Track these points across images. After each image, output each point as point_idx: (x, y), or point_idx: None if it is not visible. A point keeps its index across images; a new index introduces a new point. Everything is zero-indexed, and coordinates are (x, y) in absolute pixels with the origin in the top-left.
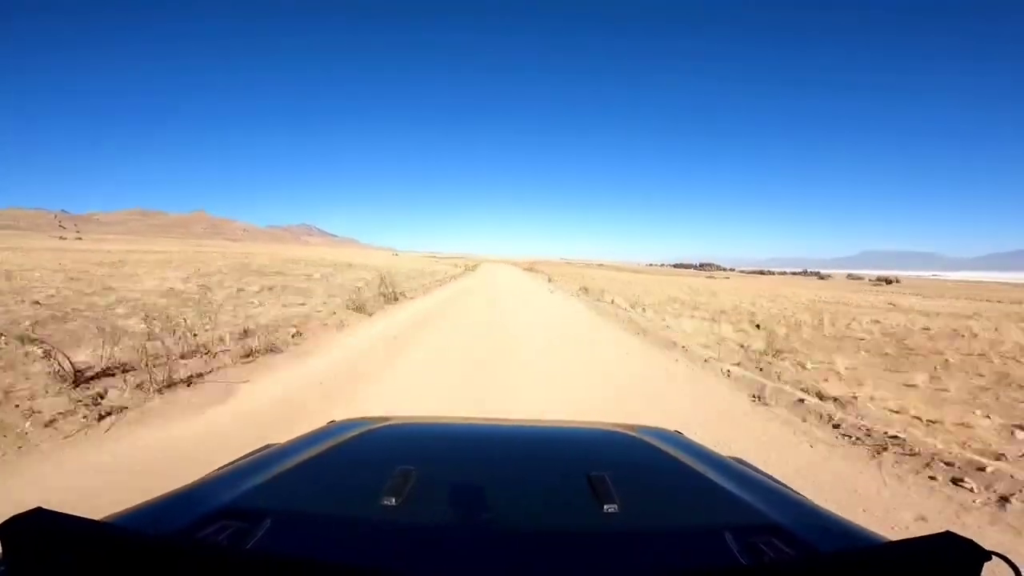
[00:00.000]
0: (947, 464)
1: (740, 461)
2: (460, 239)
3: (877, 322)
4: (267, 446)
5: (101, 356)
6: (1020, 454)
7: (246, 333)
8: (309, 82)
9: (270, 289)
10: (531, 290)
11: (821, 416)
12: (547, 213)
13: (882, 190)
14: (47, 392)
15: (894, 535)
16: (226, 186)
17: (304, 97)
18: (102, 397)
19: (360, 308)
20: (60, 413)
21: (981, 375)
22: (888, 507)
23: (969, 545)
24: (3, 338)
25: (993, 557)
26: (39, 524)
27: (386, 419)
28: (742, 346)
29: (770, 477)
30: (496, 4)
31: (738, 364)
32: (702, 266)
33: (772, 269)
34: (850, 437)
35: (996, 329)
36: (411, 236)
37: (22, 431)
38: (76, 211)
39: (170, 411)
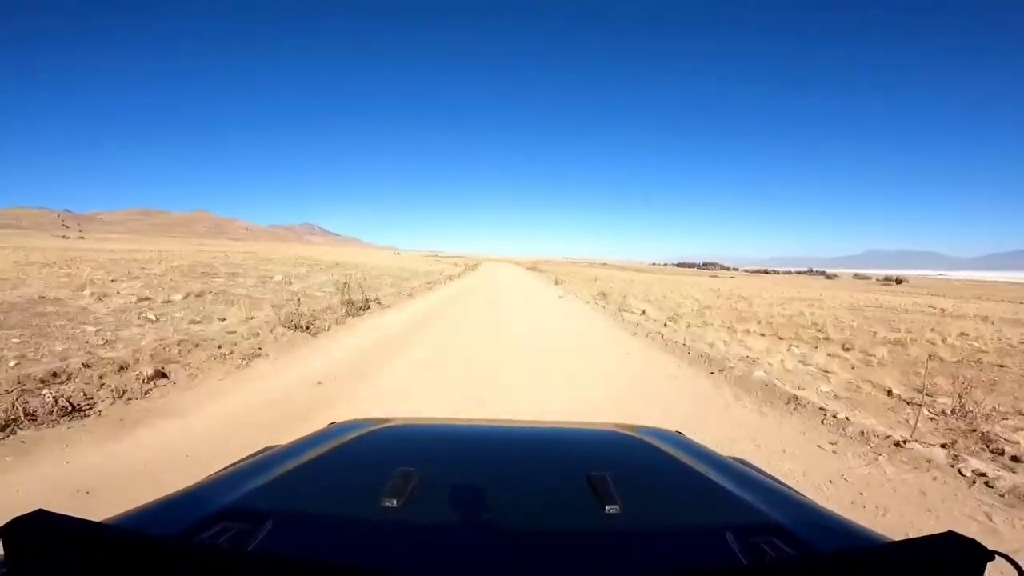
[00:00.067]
0: None
1: (741, 461)
2: (463, 238)
3: (964, 335)
4: (268, 447)
5: None
6: None
7: (55, 376)
8: (311, 82)
9: (199, 296)
10: (536, 294)
11: None
12: (549, 212)
13: (884, 189)
14: None
15: None
16: (229, 186)
17: (307, 97)
18: None
19: (303, 325)
20: None
21: None
22: None
23: (972, 545)
24: None
25: (996, 557)
26: (40, 525)
27: (387, 420)
28: (891, 393)
29: (771, 477)
30: (497, 4)
31: (945, 444)
32: (705, 265)
33: (776, 268)
34: None
35: None
36: (414, 235)
37: None
38: (80, 211)
39: None
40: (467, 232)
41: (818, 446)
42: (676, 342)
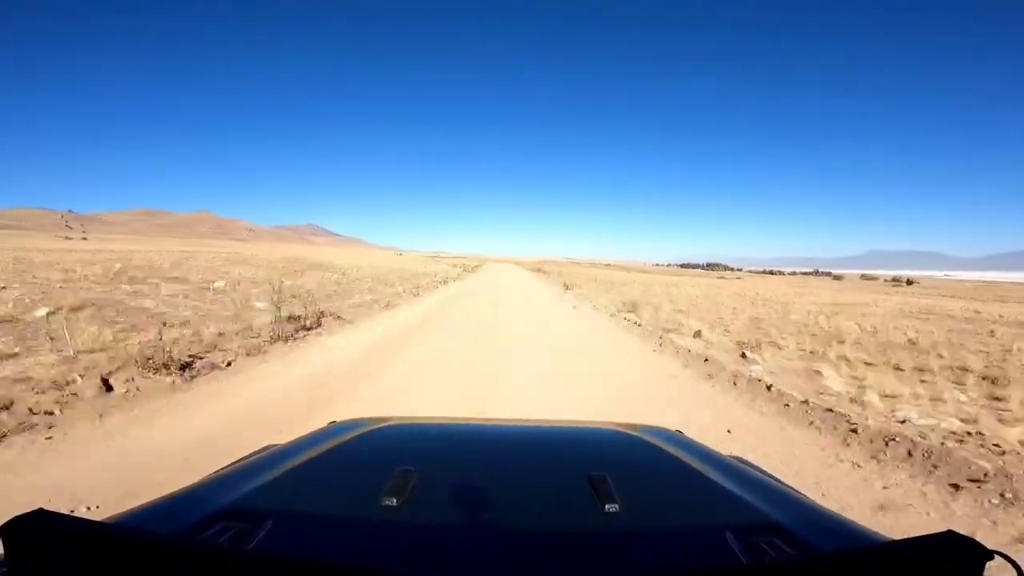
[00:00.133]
0: None
1: (741, 460)
2: (465, 239)
3: None
4: (268, 447)
5: None
6: None
7: None
8: (314, 82)
9: (75, 310)
10: (546, 304)
11: None
12: (550, 213)
13: (886, 189)
14: None
15: None
16: (232, 186)
17: (309, 97)
18: None
19: (175, 361)
20: None
21: None
22: None
23: (972, 544)
24: None
25: (996, 557)
26: (40, 525)
27: (386, 419)
28: None
29: (771, 476)
30: (497, 4)
31: None
32: (709, 266)
33: (781, 269)
34: None
35: None
36: (417, 236)
37: None
38: (83, 211)
39: None
40: (469, 233)
41: None
42: (812, 403)
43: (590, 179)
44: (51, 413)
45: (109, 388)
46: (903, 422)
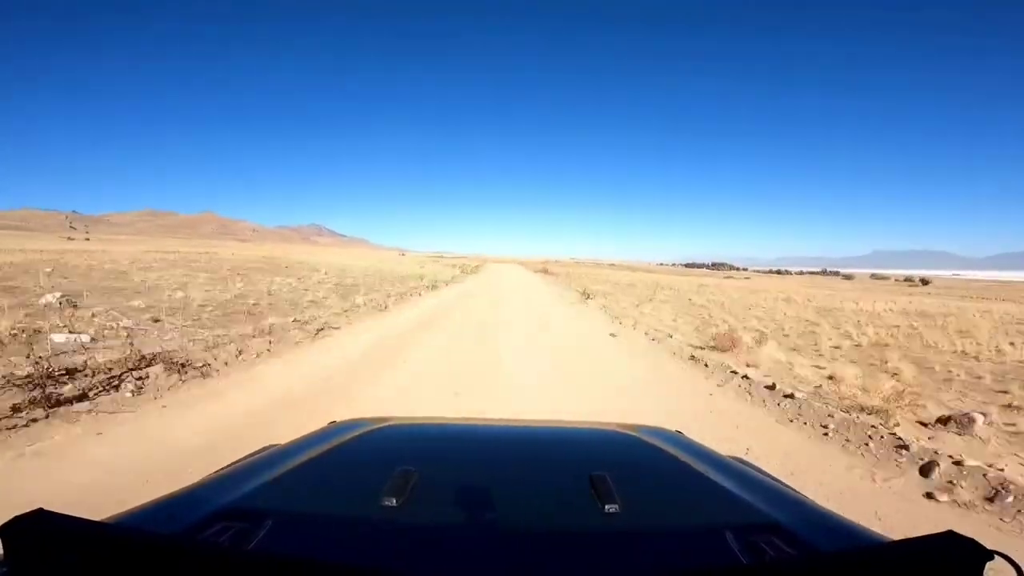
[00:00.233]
0: None
1: (741, 460)
2: (469, 239)
3: None
4: (268, 447)
5: None
6: None
7: None
8: (317, 84)
9: None
10: (569, 324)
11: None
12: (552, 213)
13: (891, 189)
14: None
15: None
16: (237, 187)
17: (313, 99)
18: None
19: None
20: None
21: None
22: None
23: (971, 545)
24: None
25: (996, 557)
26: (40, 525)
27: (386, 419)
28: None
29: (771, 476)
30: (500, 4)
31: None
32: (715, 266)
33: (789, 269)
34: None
35: None
36: (421, 237)
37: None
38: (90, 212)
39: None
40: (472, 233)
41: None
42: None
43: (591, 179)
44: None
45: None
46: None
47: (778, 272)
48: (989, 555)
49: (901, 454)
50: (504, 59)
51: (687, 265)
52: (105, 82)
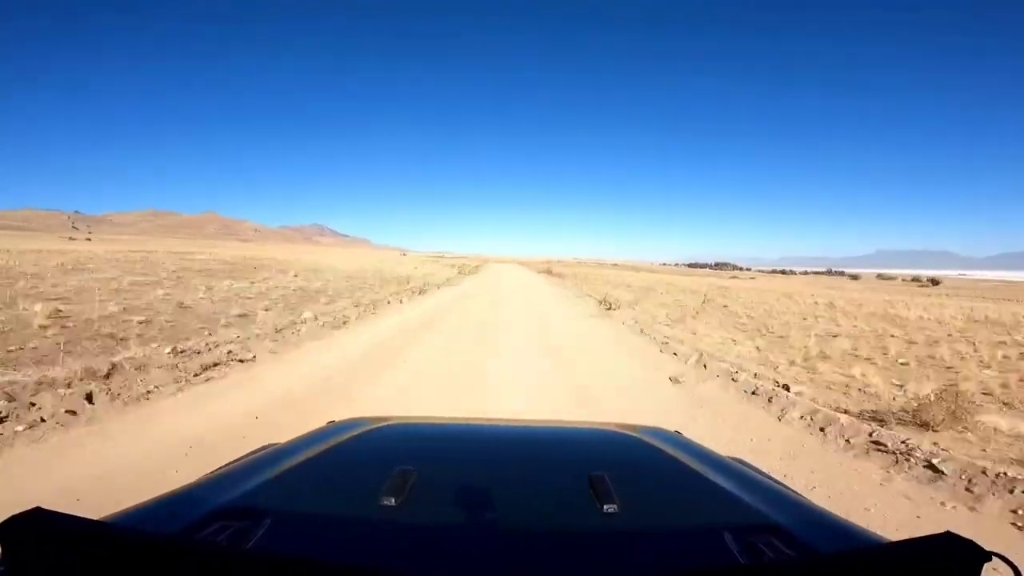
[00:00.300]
0: None
1: (740, 461)
2: (470, 239)
3: None
4: (267, 446)
5: None
6: None
7: None
8: (319, 84)
9: None
10: (600, 349)
11: None
12: (554, 213)
13: (893, 189)
14: None
15: None
16: (240, 187)
17: (315, 99)
18: None
19: None
20: None
21: None
22: None
23: (970, 545)
24: None
25: (993, 558)
26: (38, 524)
27: (385, 419)
28: None
29: (770, 477)
30: (500, 4)
31: None
32: (717, 265)
33: (793, 268)
34: None
35: None
36: (423, 237)
37: None
38: (92, 212)
39: None
40: (474, 233)
41: None
42: None
43: (591, 179)
44: None
45: None
46: None
47: (782, 272)
48: (987, 556)
49: None
50: (504, 59)
51: (689, 265)
52: (108, 82)
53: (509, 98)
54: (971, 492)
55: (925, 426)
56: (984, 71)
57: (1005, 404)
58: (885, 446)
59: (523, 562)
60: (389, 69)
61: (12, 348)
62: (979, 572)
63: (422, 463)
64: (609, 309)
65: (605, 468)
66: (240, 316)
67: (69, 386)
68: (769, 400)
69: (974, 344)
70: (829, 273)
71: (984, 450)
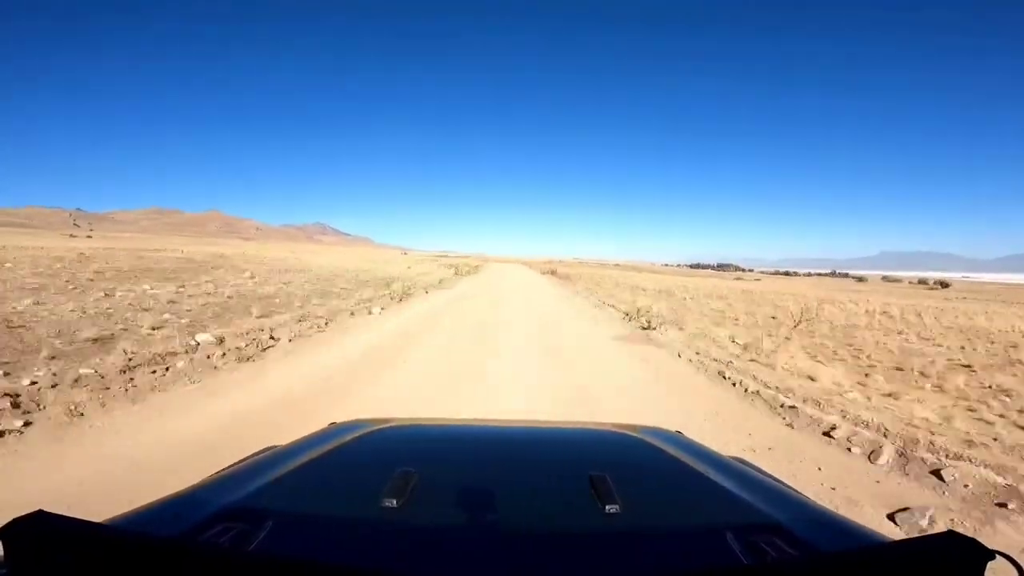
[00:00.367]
0: None
1: (741, 461)
2: (471, 239)
3: None
4: (268, 448)
5: None
6: None
7: None
8: (322, 84)
9: None
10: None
11: None
12: (555, 213)
13: (896, 190)
14: None
15: None
16: (243, 186)
17: (318, 99)
18: None
19: None
20: None
21: None
22: None
23: (972, 544)
24: None
25: (997, 556)
26: (40, 526)
27: (387, 420)
28: None
29: (771, 477)
30: (500, 4)
31: None
32: (720, 266)
33: (797, 270)
34: None
35: None
36: (424, 236)
37: None
38: (95, 210)
39: None
40: (475, 233)
41: None
42: None
43: (592, 179)
44: None
45: None
46: None
47: (785, 274)
48: (990, 555)
49: None
50: (504, 59)
51: (691, 266)
52: (112, 82)
53: (509, 98)
54: None
55: None
56: (984, 71)
57: None
58: None
59: (525, 563)
60: (390, 69)
61: None
62: (982, 571)
63: (423, 464)
64: (647, 328)
65: (606, 468)
66: (92, 341)
67: None
68: None
69: None
70: (833, 275)
71: None
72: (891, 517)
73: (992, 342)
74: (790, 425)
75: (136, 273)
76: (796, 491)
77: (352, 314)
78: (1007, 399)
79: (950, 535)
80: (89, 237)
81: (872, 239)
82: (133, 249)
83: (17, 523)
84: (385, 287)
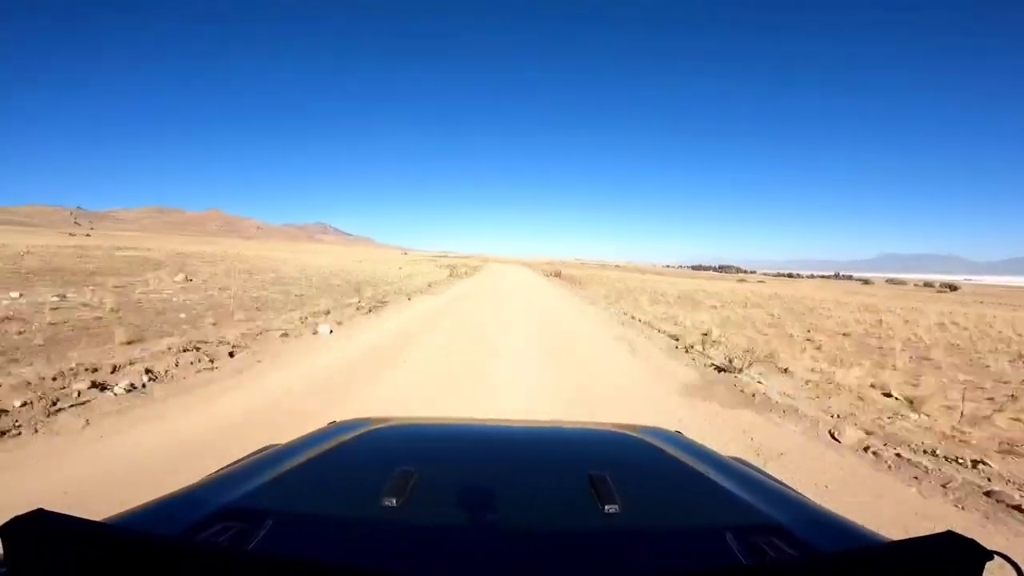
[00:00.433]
0: None
1: (741, 461)
2: (471, 239)
3: None
4: (268, 447)
5: None
6: None
7: None
8: (323, 84)
9: None
10: None
11: None
12: (555, 214)
13: (898, 192)
14: None
15: None
16: (243, 185)
17: (319, 98)
18: None
19: None
20: None
21: None
22: None
23: (971, 545)
24: None
25: (995, 557)
26: (40, 525)
27: (387, 420)
28: None
29: (771, 477)
30: (500, 4)
31: None
32: (721, 268)
33: (800, 272)
34: None
35: None
36: (425, 236)
37: None
38: (96, 208)
39: None
40: (475, 233)
41: None
42: None
43: (592, 179)
44: None
45: None
46: None
47: (788, 276)
48: (989, 555)
49: None
50: (504, 59)
51: (693, 267)
52: (112, 81)
53: (510, 98)
54: None
55: None
56: (984, 71)
57: None
58: None
59: (525, 563)
60: (390, 69)
61: None
62: (981, 571)
63: (423, 464)
64: (728, 371)
65: (606, 468)
66: None
67: None
68: None
69: None
70: (837, 277)
71: None
72: None
73: None
74: None
75: (44, 273)
76: (796, 491)
77: (284, 335)
78: None
79: (949, 535)
80: (88, 236)
81: (873, 241)
82: (83, 247)
83: (17, 522)
84: (356, 294)
